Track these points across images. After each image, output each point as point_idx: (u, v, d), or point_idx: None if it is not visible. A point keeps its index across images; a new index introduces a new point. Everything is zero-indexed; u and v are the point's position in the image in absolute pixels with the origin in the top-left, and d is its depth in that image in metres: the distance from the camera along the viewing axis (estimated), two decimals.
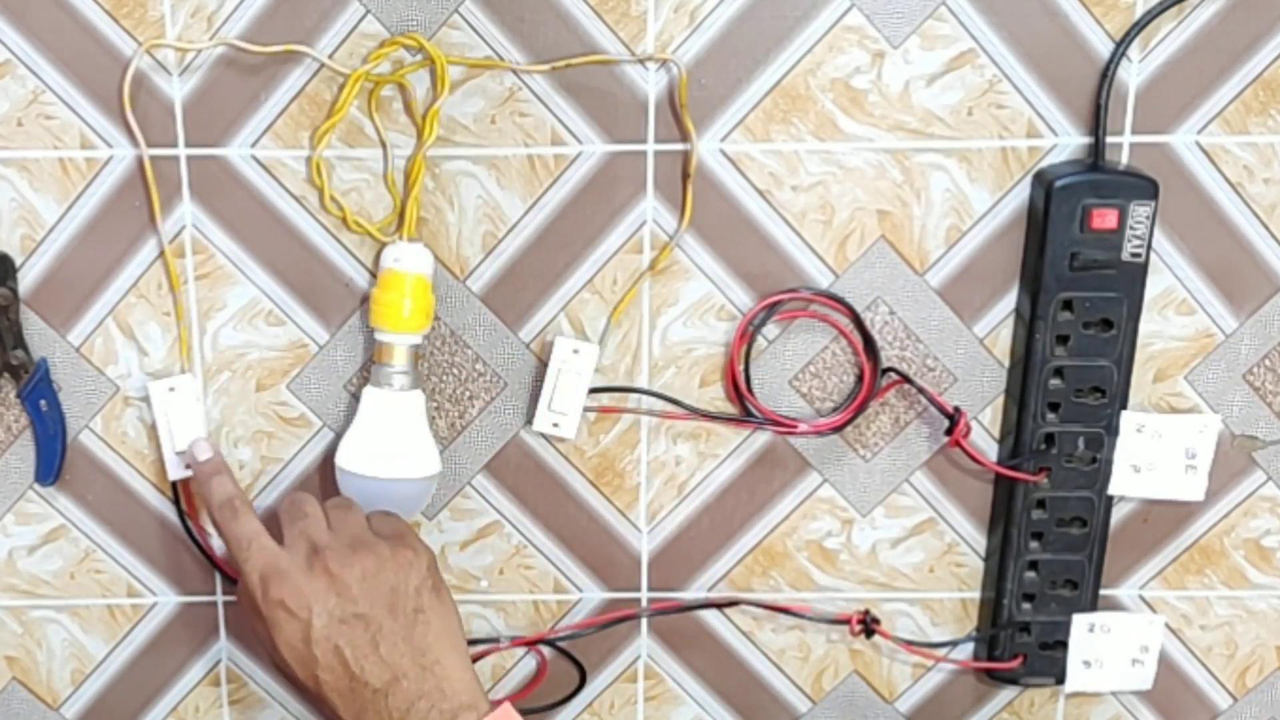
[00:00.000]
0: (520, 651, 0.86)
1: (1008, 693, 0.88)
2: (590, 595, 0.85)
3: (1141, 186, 0.75)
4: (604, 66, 0.75)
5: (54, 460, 0.81)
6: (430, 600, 0.71)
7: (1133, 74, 0.76)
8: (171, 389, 0.79)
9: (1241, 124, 0.77)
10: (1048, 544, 0.82)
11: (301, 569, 0.70)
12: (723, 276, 0.79)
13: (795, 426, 0.81)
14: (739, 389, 0.80)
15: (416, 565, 0.72)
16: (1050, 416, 0.79)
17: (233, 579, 0.84)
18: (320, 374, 0.81)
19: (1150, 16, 0.74)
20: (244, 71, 0.75)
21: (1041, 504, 0.81)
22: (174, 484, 0.82)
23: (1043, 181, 0.76)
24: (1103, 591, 0.84)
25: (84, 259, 0.78)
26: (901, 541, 0.84)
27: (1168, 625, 0.86)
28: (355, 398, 0.81)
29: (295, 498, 0.75)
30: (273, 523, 0.74)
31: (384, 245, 0.77)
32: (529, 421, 0.81)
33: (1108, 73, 0.75)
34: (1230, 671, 0.87)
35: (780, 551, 0.84)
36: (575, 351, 0.79)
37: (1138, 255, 0.76)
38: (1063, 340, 0.78)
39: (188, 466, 0.79)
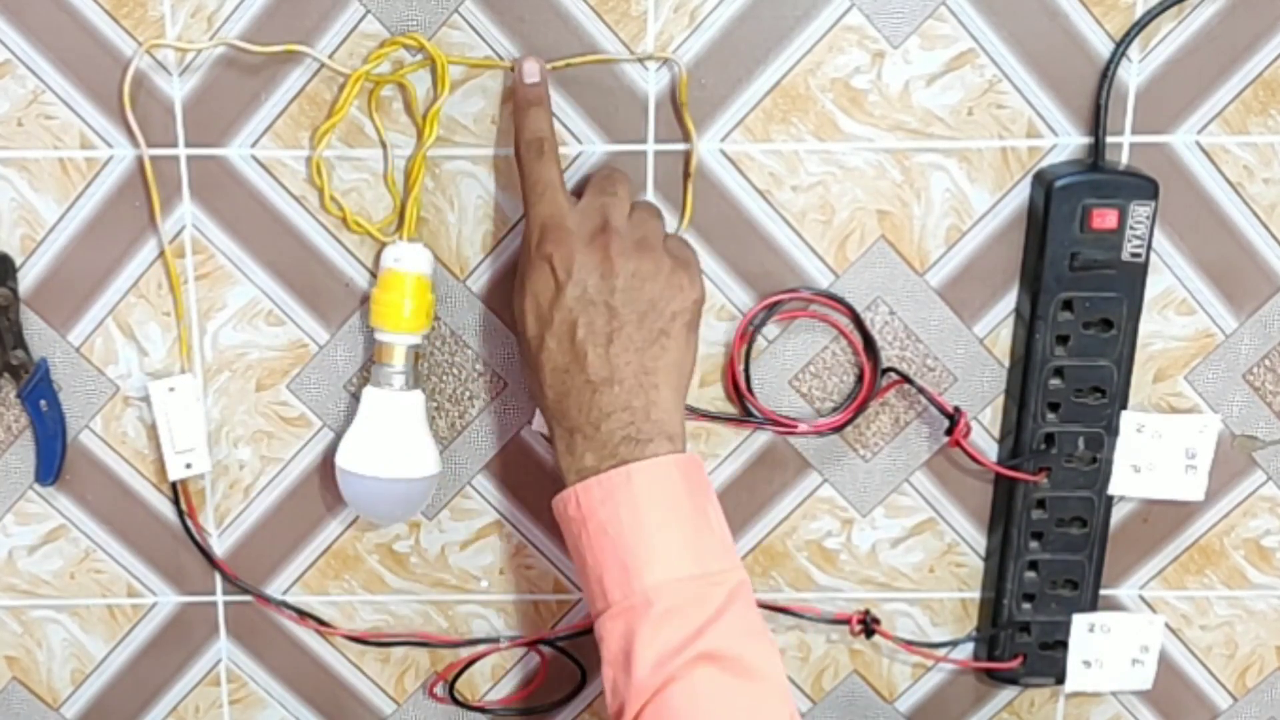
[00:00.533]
0: (520, 651, 0.86)
1: (1008, 693, 0.88)
2: None
3: (1141, 186, 0.75)
4: (604, 66, 0.75)
5: (54, 460, 0.81)
6: (679, 331, 0.69)
7: (1133, 74, 0.76)
8: (171, 389, 0.79)
9: (1241, 124, 0.77)
10: (1048, 544, 0.82)
11: (583, 237, 0.68)
12: (723, 276, 0.79)
13: (795, 426, 0.81)
14: (739, 389, 0.80)
15: (685, 294, 0.70)
16: (1050, 416, 0.79)
17: (232, 579, 0.84)
18: (320, 374, 0.81)
19: (1150, 16, 0.74)
20: (244, 71, 0.75)
21: (1041, 504, 0.81)
22: (174, 484, 0.82)
23: (1043, 181, 0.76)
24: (1103, 591, 0.84)
25: (84, 259, 0.78)
26: (901, 541, 0.84)
27: (1168, 625, 0.86)
28: (355, 398, 0.81)
29: (614, 173, 0.73)
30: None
31: (384, 245, 0.77)
32: (529, 421, 0.81)
33: (1108, 73, 0.75)
34: (1230, 671, 0.87)
35: (780, 551, 0.84)
36: None
37: (1138, 255, 0.76)
38: (1063, 340, 0.78)
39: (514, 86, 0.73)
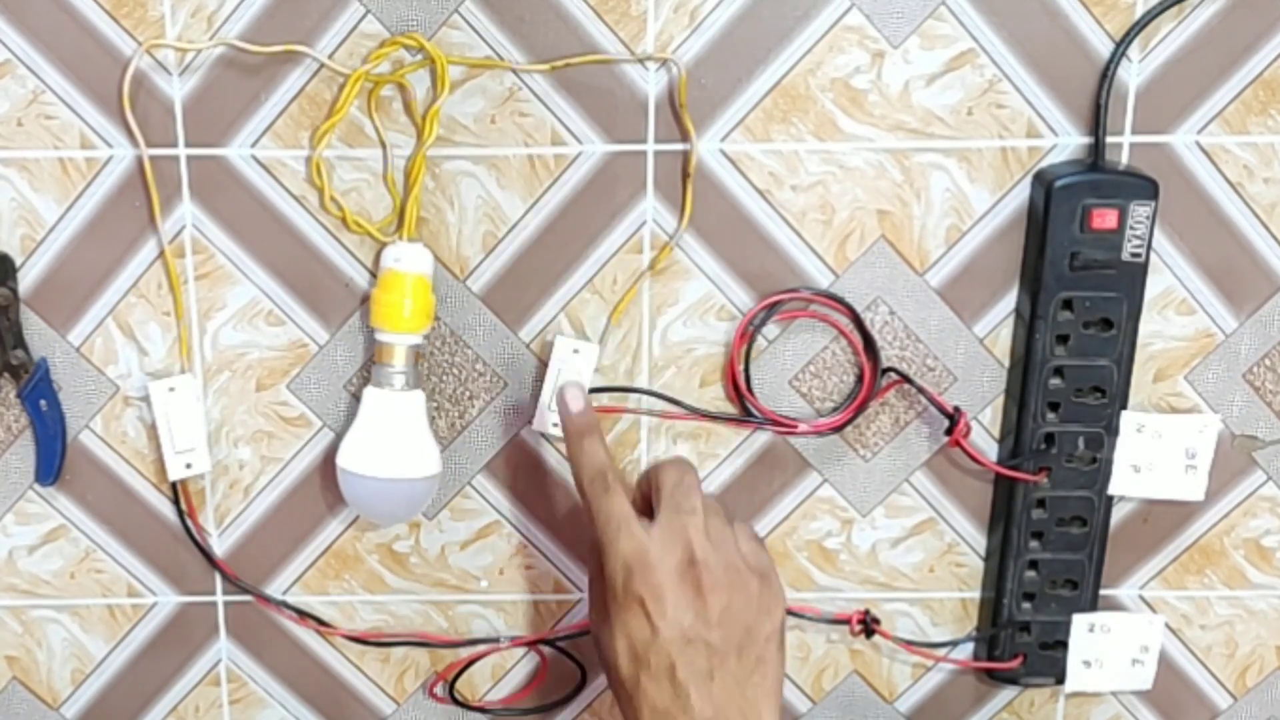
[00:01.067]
0: (520, 651, 0.86)
1: (1008, 693, 0.88)
2: None
3: (1141, 186, 0.75)
4: (604, 66, 0.75)
5: (54, 460, 0.81)
6: (774, 653, 0.68)
7: (1133, 74, 0.76)
8: (171, 389, 0.79)
9: (1241, 124, 0.77)
10: (1048, 544, 0.82)
11: (672, 574, 0.66)
12: (723, 276, 0.79)
13: (795, 426, 0.81)
14: (739, 389, 0.80)
15: (774, 614, 0.69)
16: (1050, 416, 0.79)
17: (233, 579, 0.84)
18: (320, 374, 0.81)
19: (1150, 16, 0.74)
20: (244, 71, 0.75)
21: (1041, 504, 0.81)
22: (174, 484, 0.82)
23: (1043, 181, 0.76)
24: (1103, 591, 0.84)
25: (84, 259, 0.78)
26: (901, 541, 0.84)
27: (1168, 625, 0.86)
28: (355, 398, 0.81)
29: (685, 481, 0.70)
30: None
31: (384, 245, 0.77)
32: (529, 421, 0.81)
33: (1108, 73, 0.75)
34: (1230, 671, 0.87)
35: (780, 551, 0.84)
36: (575, 351, 0.79)
37: (1138, 255, 0.76)
38: (1063, 340, 0.78)
39: (556, 418, 0.71)
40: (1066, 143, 0.77)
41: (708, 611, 0.66)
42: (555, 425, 0.79)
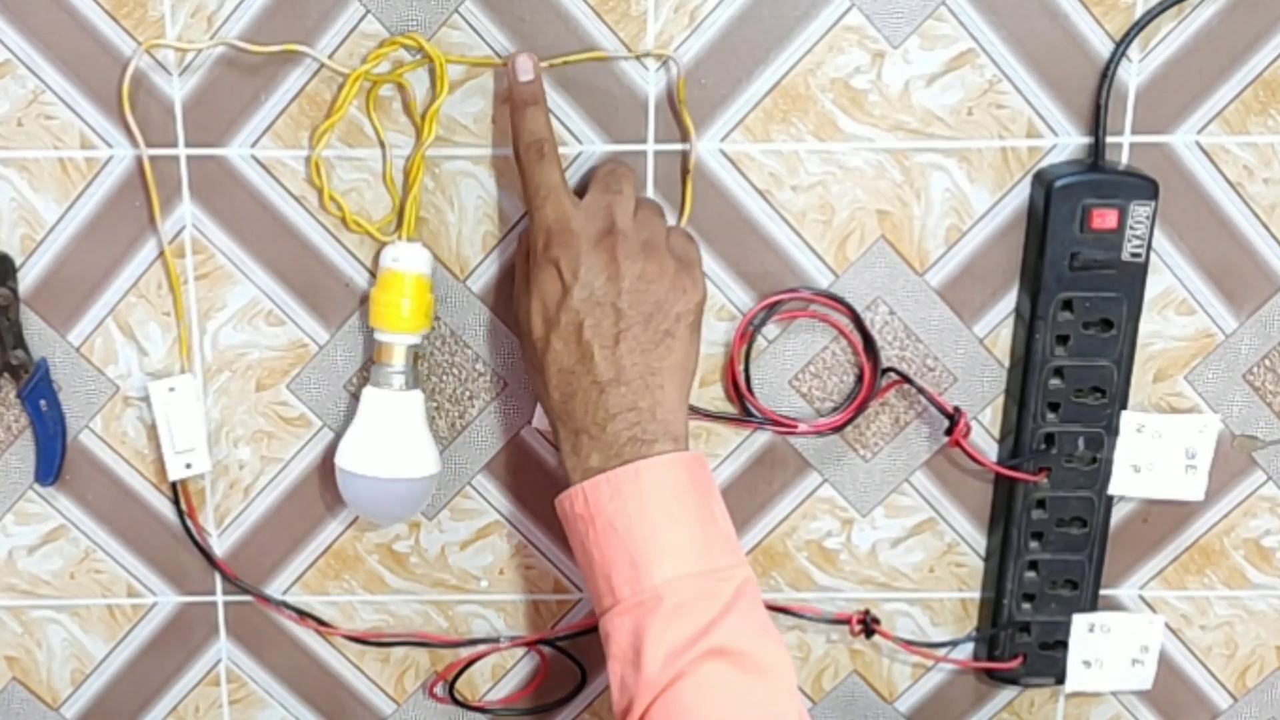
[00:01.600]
0: (520, 651, 0.86)
1: (1008, 693, 0.88)
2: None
3: (1141, 186, 0.75)
4: (604, 66, 0.75)
5: (54, 460, 0.81)
6: (683, 332, 0.70)
7: (1133, 74, 0.76)
8: (171, 389, 0.79)
9: (1241, 124, 0.77)
10: (1048, 544, 0.82)
11: (589, 239, 0.69)
12: (723, 276, 0.79)
13: (795, 427, 0.81)
14: (739, 389, 0.80)
15: (689, 295, 0.70)
16: (1050, 416, 0.79)
17: (232, 579, 0.84)
18: (320, 374, 0.81)
19: (1150, 16, 0.74)
20: (244, 71, 0.75)
21: (1041, 504, 0.81)
22: (174, 484, 0.82)
23: (1043, 181, 0.76)
24: (1103, 591, 0.84)
25: (84, 259, 0.78)
26: (901, 541, 0.84)
27: (1168, 625, 0.86)
28: (355, 398, 0.81)
29: (619, 169, 0.73)
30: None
31: (383, 245, 0.77)
32: (529, 421, 0.81)
33: (1108, 73, 0.75)
34: (1230, 671, 0.87)
35: (780, 551, 0.84)
36: None
37: (1138, 255, 0.76)
38: (1063, 340, 0.78)
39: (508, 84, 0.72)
40: (1066, 143, 0.77)
41: (619, 277, 0.68)
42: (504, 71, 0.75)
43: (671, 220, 0.77)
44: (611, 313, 0.68)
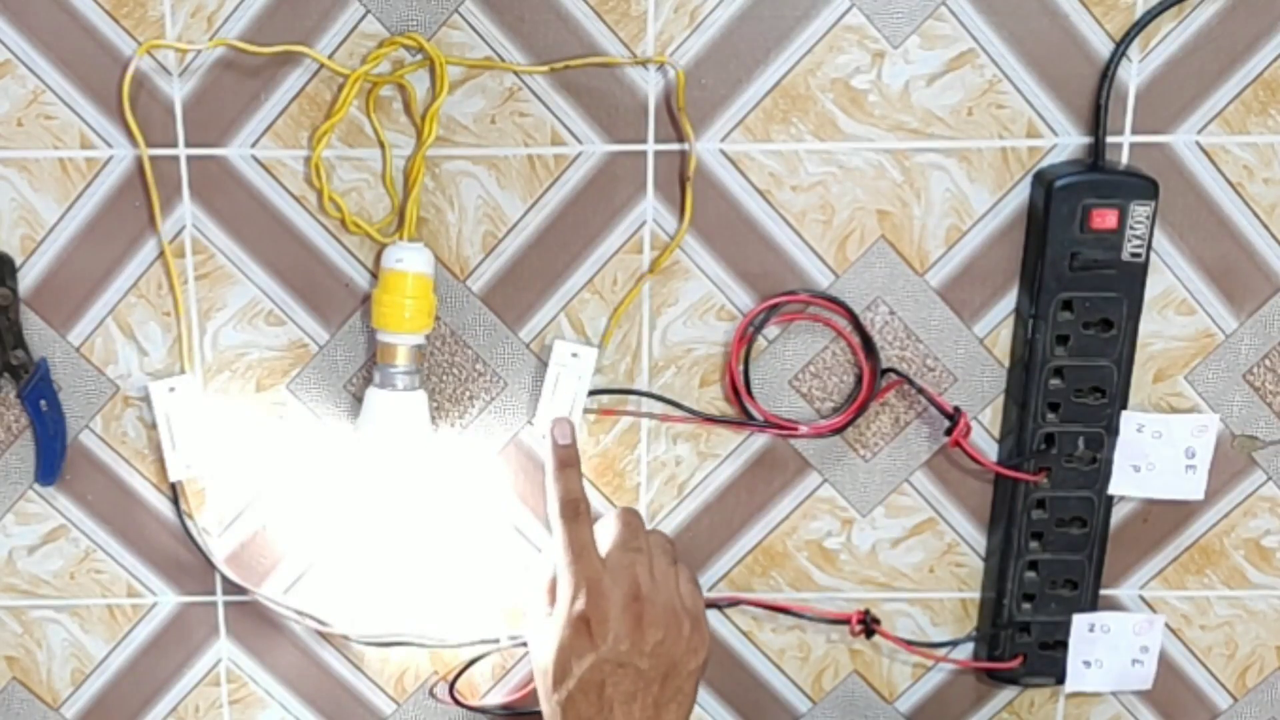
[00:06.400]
0: (520, 651, 0.86)
1: (1008, 693, 0.88)
2: None
3: (1141, 186, 0.75)
4: (604, 67, 0.75)
5: (54, 460, 0.81)
6: (691, 688, 0.75)
7: (1133, 74, 0.76)
8: (171, 389, 0.79)
9: (1241, 124, 0.77)
10: (1048, 544, 0.82)
11: (618, 603, 0.73)
12: (723, 277, 0.79)
13: (795, 429, 0.81)
14: (737, 391, 0.80)
15: (699, 654, 0.75)
16: (1050, 416, 0.79)
17: (231, 580, 0.84)
18: (320, 374, 0.81)
19: (1150, 16, 0.74)
20: (244, 72, 0.75)
21: (1041, 504, 0.81)
22: (174, 484, 0.82)
23: (1043, 181, 0.76)
24: (1103, 591, 0.84)
25: (84, 259, 0.78)
26: (901, 541, 0.84)
27: (1168, 625, 0.86)
28: (355, 398, 0.81)
29: (633, 522, 0.78)
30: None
31: (384, 246, 0.77)
32: (529, 421, 0.81)
33: (1108, 73, 0.75)
34: (1230, 671, 0.87)
35: (780, 551, 0.84)
36: (574, 355, 0.79)
37: (1138, 255, 0.76)
38: (1063, 340, 0.78)
39: (546, 432, 0.79)
40: (1066, 143, 0.77)
41: (643, 642, 0.73)
42: (544, 437, 0.79)
43: (671, 223, 0.77)
44: (633, 674, 0.73)
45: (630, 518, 0.78)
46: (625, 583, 0.74)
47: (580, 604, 0.73)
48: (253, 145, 0.77)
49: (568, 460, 0.78)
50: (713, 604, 0.84)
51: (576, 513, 0.76)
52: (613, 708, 0.72)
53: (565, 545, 0.75)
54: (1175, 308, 0.80)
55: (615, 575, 0.74)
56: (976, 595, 0.85)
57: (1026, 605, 0.83)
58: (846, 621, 0.84)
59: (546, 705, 0.74)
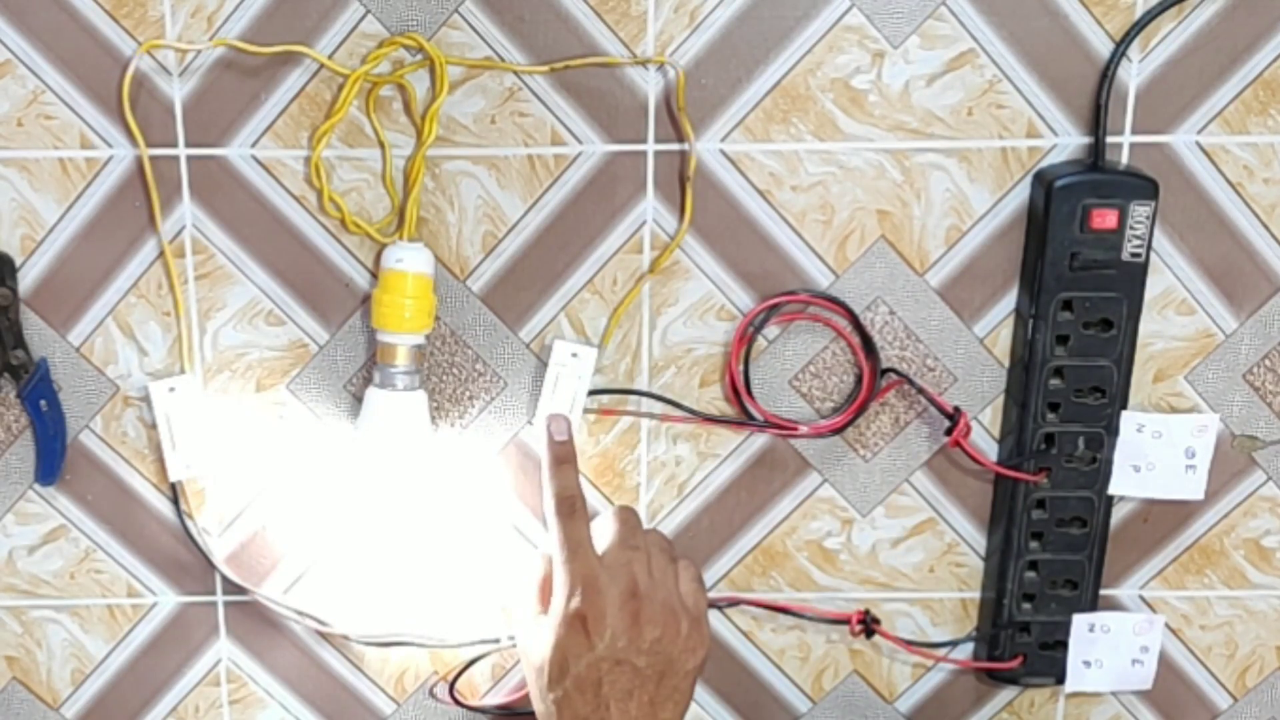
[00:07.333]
0: None
1: (1008, 693, 0.88)
2: None
3: (1141, 186, 0.75)
4: (604, 67, 0.75)
5: (54, 460, 0.81)
6: (688, 687, 0.74)
7: (1133, 74, 0.76)
8: (171, 389, 0.79)
9: (1241, 124, 0.77)
10: (1048, 544, 0.82)
11: (615, 600, 0.73)
12: (723, 277, 0.79)
13: (795, 429, 0.81)
14: (737, 391, 0.80)
15: (697, 654, 0.74)
16: (1050, 416, 0.79)
17: (231, 580, 0.84)
18: (320, 374, 0.81)
19: (1150, 16, 0.74)
20: (244, 72, 0.75)
21: (1041, 504, 0.81)
22: (174, 484, 0.82)
23: (1043, 181, 0.76)
24: (1103, 591, 0.84)
25: (84, 259, 0.78)
26: (901, 541, 0.84)
27: (1168, 625, 0.86)
28: (355, 398, 0.81)
29: (631, 520, 0.77)
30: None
31: (384, 246, 0.77)
32: (529, 421, 0.81)
33: (1108, 73, 0.75)
34: (1230, 671, 0.87)
35: (780, 551, 0.84)
36: (574, 355, 0.79)
37: (1138, 255, 0.76)
38: (1063, 340, 0.78)
39: (550, 439, 0.78)
40: (1066, 143, 0.77)
41: (640, 640, 0.72)
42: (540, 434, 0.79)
43: (671, 223, 0.77)
44: (630, 671, 0.72)
45: (627, 515, 0.77)
46: (622, 580, 0.73)
47: (577, 601, 0.72)
48: (253, 145, 0.77)
49: (563, 457, 0.78)
50: (712, 604, 0.84)
51: (572, 509, 0.76)
52: (609, 706, 0.72)
53: (561, 542, 0.75)
54: (1175, 308, 0.80)
55: (612, 572, 0.74)
56: (976, 595, 0.85)
57: (1026, 605, 0.83)
58: (846, 621, 0.84)
59: (540, 704, 0.74)
